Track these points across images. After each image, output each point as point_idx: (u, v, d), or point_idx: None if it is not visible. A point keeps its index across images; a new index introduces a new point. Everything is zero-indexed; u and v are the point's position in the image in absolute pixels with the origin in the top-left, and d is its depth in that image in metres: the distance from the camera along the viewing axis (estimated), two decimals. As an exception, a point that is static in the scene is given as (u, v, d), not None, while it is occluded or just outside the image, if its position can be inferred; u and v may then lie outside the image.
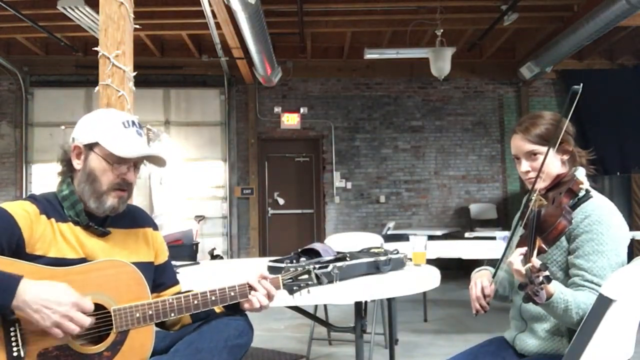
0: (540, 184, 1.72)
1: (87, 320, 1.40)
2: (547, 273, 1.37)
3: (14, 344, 1.39)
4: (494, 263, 1.85)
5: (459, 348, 1.91)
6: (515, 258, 1.49)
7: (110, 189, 1.59)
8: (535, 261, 1.41)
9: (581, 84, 1.59)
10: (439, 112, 8.90)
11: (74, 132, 1.64)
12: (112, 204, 1.59)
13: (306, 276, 1.69)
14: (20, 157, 8.31)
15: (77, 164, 1.61)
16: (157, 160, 1.71)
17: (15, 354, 1.39)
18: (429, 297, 5.07)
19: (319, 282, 1.70)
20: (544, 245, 1.52)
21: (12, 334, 1.39)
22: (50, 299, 1.36)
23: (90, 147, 1.59)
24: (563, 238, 1.62)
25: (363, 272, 2.36)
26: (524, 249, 1.51)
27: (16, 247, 1.45)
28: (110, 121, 1.63)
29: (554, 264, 1.65)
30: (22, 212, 1.49)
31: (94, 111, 1.68)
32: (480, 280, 1.75)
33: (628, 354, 1.54)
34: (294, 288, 1.69)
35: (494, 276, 1.77)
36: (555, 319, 1.60)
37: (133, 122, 1.66)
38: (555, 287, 1.46)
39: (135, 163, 1.64)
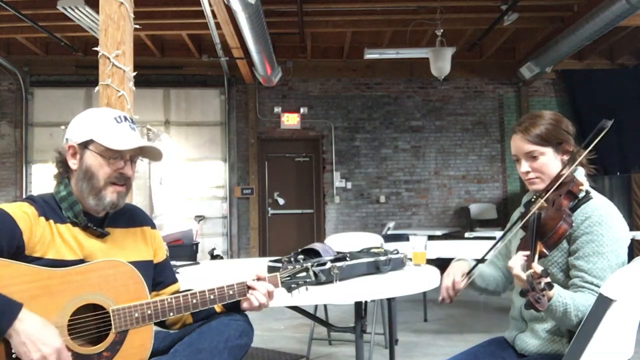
0: (540, 185, 1.72)
1: None
2: (548, 279, 1.37)
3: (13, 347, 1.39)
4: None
5: (459, 348, 1.91)
6: (516, 262, 1.49)
7: (108, 183, 1.59)
8: (537, 267, 1.41)
9: (612, 120, 1.59)
10: (439, 112, 8.90)
11: (67, 133, 1.63)
12: (112, 199, 1.59)
13: (304, 274, 1.69)
14: (20, 157, 8.32)
15: (73, 163, 1.61)
16: (153, 154, 1.70)
17: (14, 356, 1.39)
18: (429, 297, 5.07)
19: (317, 280, 1.70)
20: (544, 250, 1.52)
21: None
22: (38, 338, 1.36)
23: (84, 145, 1.59)
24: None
25: (363, 272, 2.36)
26: (524, 254, 1.50)
27: (16, 249, 1.45)
28: (102, 118, 1.63)
29: (554, 266, 1.65)
30: (22, 213, 1.49)
31: (85, 111, 1.68)
32: (454, 273, 1.78)
33: (628, 354, 1.54)
34: (292, 286, 1.69)
35: (470, 271, 1.77)
36: (554, 322, 1.60)
37: (125, 117, 1.66)
38: (554, 291, 1.46)
39: (131, 157, 1.64)
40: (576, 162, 1.65)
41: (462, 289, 1.75)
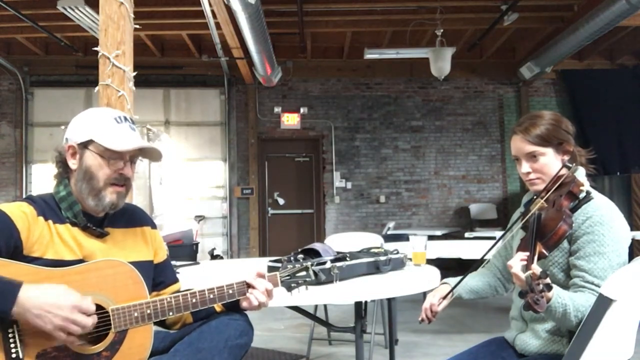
0: (541, 186, 1.71)
1: (89, 321, 1.40)
2: (547, 281, 1.37)
3: (12, 345, 1.39)
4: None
5: (459, 348, 1.91)
6: (515, 262, 1.48)
7: (108, 184, 1.58)
8: (536, 268, 1.40)
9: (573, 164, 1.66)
10: (439, 112, 8.90)
11: (67, 133, 1.63)
12: (111, 199, 1.59)
13: (304, 273, 1.69)
14: (20, 157, 8.32)
15: (72, 163, 1.60)
16: (152, 154, 1.70)
17: (14, 355, 1.38)
18: (429, 297, 5.07)
19: (317, 279, 1.70)
20: (544, 251, 1.51)
21: (10, 335, 1.39)
22: (51, 303, 1.36)
23: (84, 145, 1.59)
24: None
25: (363, 272, 2.36)
26: (524, 254, 1.50)
27: (14, 249, 1.45)
28: (102, 118, 1.63)
29: (555, 266, 1.64)
30: (20, 213, 1.49)
31: (85, 110, 1.67)
32: (433, 295, 1.86)
33: (628, 354, 1.54)
34: (292, 285, 1.68)
35: (447, 295, 1.84)
36: (554, 322, 1.60)
37: (125, 118, 1.65)
38: (553, 292, 1.45)
39: (131, 158, 1.63)
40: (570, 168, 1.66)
41: (440, 311, 1.83)
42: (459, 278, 1.86)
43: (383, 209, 8.74)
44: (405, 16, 6.80)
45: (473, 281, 1.92)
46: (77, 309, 1.38)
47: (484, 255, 1.84)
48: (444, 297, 1.83)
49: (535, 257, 1.47)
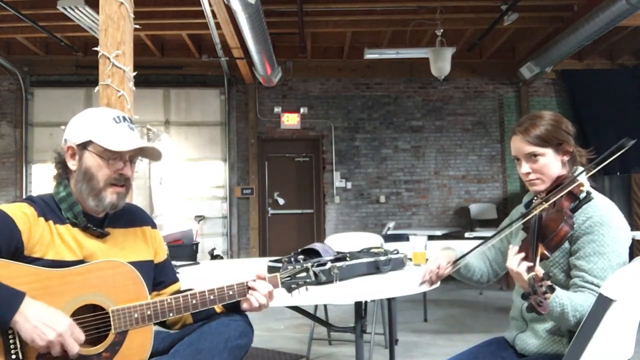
0: (541, 186, 1.72)
1: (77, 349, 1.41)
2: (549, 282, 1.37)
3: (12, 347, 1.39)
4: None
5: (459, 348, 1.91)
6: (515, 262, 1.48)
7: (108, 184, 1.58)
8: (539, 270, 1.40)
9: (635, 140, 1.64)
10: (439, 112, 8.89)
11: (66, 134, 1.63)
12: (112, 200, 1.59)
13: (304, 274, 1.69)
14: (20, 157, 8.31)
15: (72, 164, 1.61)
16: (152, 154, 1.70)
17: (13, 356, 1.39)
18: (429, 297, 5.07)
19: (317, 280, 1.70)
20: (546, 252, 1.51)
21: (10, 337, 1.39)
22: (49, 318, 1.37)
23: (83, 146, 1.59)
24: (564, 239, 1.61)
25: (363, 272, 2.36)
26: (521, 255, 1.50)
27: (15, 250, 1.45)
28: (101, 118, 1.63)
29: (555, 266, 1.65)
30: (22, 214, 1.49)
31: (84, 111, 1.67)
32: (440, 259, 1.87)
33: (628, 354, 1.54)
34: (293, 286, 1.69)
35: (457, 260, 1.84)
36: (553, 322, 1.60)
37: (124, 117, 1.65)
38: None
39: (130, 158, 1.63)
40: (579, 172, 1.65)
41: (445, 275, 1.83)
42: (464, 249, 1.87)
43: (383, 209, 8.74)
44: (405, 16, 6.79)
45: (474, 260, 1.93)
46: (70, 331, 1.39)
47: (486, 241, 1.85)
48: (453, 263, 1.84)
49: (538, 259, 1.47)
